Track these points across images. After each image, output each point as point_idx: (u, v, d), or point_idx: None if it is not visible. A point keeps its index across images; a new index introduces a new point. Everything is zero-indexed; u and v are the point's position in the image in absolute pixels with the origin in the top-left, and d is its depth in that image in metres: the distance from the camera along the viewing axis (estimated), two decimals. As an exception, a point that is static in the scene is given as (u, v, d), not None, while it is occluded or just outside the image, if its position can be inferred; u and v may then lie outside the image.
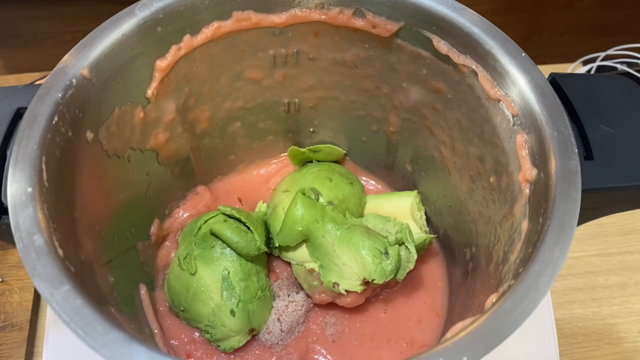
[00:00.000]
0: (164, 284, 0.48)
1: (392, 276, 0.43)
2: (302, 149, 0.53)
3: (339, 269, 0.44)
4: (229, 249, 0.44)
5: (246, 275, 0.44)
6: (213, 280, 0.44)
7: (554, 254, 0.29)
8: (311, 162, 0.54)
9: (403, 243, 0.44)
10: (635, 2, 1.36)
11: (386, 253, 0.44)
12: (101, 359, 0.26)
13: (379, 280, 0.43)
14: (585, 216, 0.34)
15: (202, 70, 0.44)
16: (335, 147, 0.54)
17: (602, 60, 0.81)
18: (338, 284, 0.44)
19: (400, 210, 0.49)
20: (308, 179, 0.49)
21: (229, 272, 0.44)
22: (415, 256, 0.44)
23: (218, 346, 0.44)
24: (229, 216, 0.46)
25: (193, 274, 0.44)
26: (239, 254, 0.44)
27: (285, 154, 0.56)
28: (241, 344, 0.44)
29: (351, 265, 0.44)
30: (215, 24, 0.41)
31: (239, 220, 0.45)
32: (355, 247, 0.44)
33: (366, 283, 0.44)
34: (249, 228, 0.45)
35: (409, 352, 0.45)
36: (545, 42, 1.36)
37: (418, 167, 0.51)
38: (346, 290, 0.44)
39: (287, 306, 0.46)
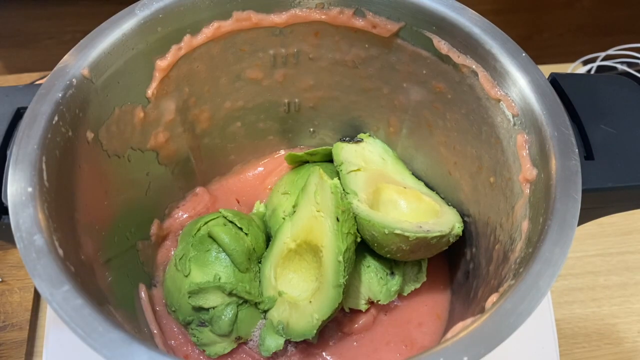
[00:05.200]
0: (162, 281, 0.47)
1: (397, 295, 0.44)
2: (300, 154, 0.52)
3: None
4: (224, 254, 0.43)
5: (238, 282, 0.43)
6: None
7: (554, 254, 0.29)
8: (307, 161, 0.54)
9: (418, 261, 0.45)
10: (635, 2, 1.36)
11: (392, 273, 0.44)
12: (101, 359, 0.26)
13: (384, 301, 0.44)
14: (586, 216, 0.34)
15: (202, 70, 0.44)
16: (330, 147, 0.54)
17: (602, 60, 0.81)
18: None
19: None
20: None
21: (220, 278, 0.43)
22: (424, 278, 0.45)
23: (204, 350, 0.44)
24: (230, 221, 0.45)
25: (186, 276, 0.43)
26: (232, 261, 0.43)
27: (281, 152, 0.56)
28: (226, 351, 0.44)
29: (356, 285, 0.43)
30: (215, 24, 0.41)
31: (240, 229, 0.45)
32: (360, 267, 0.44)
33: (370, 303, 0.44)
34: (246, 234, 0.44)
35: (409, 355, 0.45)
36: (545, 42, 1.36)
37: (418, 168, 0.51)
38: (350, 308, 0.44)
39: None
